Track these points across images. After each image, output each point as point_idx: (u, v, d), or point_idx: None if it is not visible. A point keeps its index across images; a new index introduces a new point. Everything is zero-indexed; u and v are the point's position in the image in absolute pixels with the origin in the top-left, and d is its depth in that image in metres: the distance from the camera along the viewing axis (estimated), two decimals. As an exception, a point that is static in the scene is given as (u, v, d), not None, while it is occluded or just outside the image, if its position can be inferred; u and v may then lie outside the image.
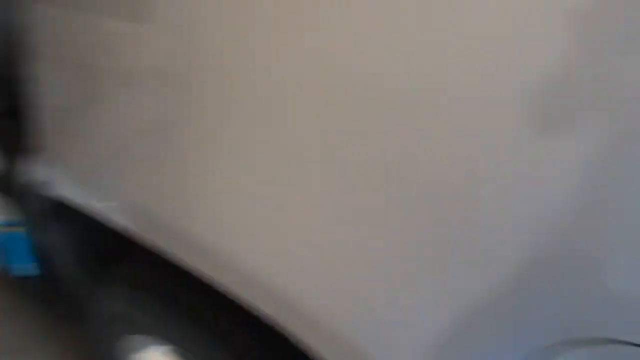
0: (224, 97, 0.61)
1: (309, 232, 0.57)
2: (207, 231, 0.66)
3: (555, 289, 0.43)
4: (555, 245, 0.43)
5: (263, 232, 0.61)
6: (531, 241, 0.44)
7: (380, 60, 0.49)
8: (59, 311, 1.30)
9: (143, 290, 0.87)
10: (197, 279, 0.69)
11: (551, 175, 0.42)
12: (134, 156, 0.75)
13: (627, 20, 0.39)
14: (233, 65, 0.60)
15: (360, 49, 0.50)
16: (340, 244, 0.54)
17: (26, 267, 1.24)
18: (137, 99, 0.71)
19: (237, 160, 0.61)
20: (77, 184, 0.86)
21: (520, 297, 0.45)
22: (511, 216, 0.44)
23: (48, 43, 0.84)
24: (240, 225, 0.63)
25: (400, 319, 0.52)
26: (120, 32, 0.71)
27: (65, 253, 1.03)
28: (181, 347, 0.84)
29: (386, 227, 0.51)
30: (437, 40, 0.46)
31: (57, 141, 0.88)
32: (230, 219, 0.64)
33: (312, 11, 0.53)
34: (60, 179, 0.88)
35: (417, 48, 0.47)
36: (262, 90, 0.57)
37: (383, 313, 0.53)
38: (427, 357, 0.51)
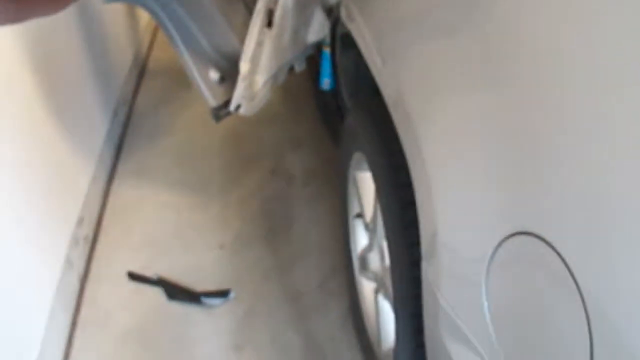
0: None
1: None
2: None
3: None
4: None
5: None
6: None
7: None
8: (330, 120, 1.75)
9: (368, 120, 1.18)
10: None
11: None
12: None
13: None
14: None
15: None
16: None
17: (327, 81, 1.71)
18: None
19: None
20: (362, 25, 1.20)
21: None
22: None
23: None
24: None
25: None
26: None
27: (346, 74, 1.52)
28: (374, 174, 1.16)
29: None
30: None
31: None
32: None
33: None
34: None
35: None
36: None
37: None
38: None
